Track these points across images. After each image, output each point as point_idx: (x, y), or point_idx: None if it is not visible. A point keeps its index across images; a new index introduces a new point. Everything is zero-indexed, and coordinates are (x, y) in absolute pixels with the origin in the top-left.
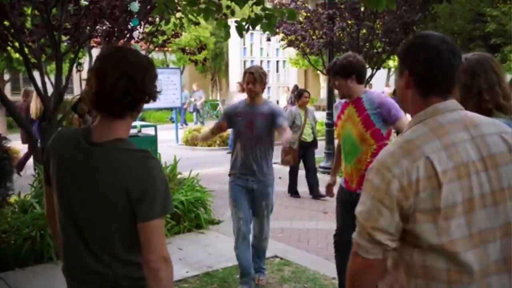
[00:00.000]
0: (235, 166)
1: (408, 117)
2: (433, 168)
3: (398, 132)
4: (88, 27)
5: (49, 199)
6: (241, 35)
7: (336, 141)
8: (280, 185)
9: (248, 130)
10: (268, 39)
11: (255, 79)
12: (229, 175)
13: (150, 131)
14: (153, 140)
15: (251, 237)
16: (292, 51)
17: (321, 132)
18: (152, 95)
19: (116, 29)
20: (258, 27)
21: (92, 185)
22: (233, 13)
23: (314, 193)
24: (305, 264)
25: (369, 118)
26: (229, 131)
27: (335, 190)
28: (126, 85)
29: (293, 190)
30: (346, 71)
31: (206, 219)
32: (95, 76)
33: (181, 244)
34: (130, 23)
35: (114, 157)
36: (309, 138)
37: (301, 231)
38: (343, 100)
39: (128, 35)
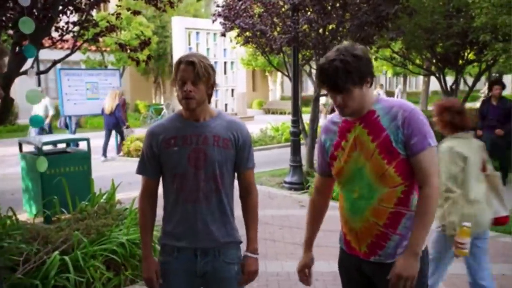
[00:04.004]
0: (167, 227)
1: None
2: None
3: (413, 171)
4: None
5: None
6: None
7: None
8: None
9: (194, 168)
10: (223, 34)
11: (197, 74)
12: (161, 245)
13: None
14: (85, 157)
15: None
16: (242, 51)
17: (277, 139)
18: None
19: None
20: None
21: None
22: None
23: None
24: None
25: (391, 144)
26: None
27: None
28: None
29: None
30: (360, 74)
31: None
32: None
33: None
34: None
35: None
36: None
37: (280, 276)
38: (337, 117)
39: (46, 25)
